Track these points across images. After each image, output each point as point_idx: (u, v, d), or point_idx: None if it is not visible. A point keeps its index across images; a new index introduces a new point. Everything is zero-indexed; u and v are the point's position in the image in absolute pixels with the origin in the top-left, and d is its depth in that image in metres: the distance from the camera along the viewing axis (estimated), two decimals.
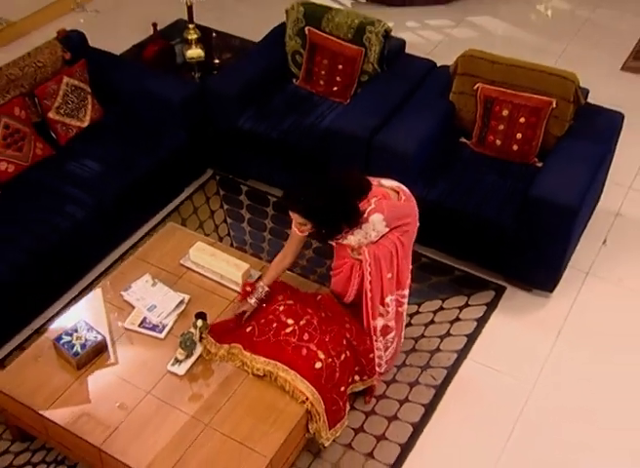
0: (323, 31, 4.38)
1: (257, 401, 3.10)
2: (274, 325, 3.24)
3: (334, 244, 3.25)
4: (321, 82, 4.48)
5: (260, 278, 3.45)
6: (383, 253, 3.09)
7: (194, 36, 4.83)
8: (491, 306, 4.01)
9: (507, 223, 3.80)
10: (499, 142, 4.09)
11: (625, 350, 3.77)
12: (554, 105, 3.92)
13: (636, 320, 3.92)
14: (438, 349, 3.80)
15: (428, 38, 5.92)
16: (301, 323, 3.24)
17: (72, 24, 5.40)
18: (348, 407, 3.34)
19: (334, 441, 3.31)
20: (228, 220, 4.44)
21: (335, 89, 4.44)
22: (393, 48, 4.47)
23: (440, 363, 3.74)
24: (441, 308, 4.00)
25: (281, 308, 3.31)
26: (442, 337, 3.86)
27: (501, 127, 4.05)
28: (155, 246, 3.74)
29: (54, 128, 4.13)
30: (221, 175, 4.72)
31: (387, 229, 3.09)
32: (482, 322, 3.94)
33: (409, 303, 3.88)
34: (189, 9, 4.76)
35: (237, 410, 3.07)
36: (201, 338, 3.23)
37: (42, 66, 4.08)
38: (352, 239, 3.10)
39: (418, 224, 3.32)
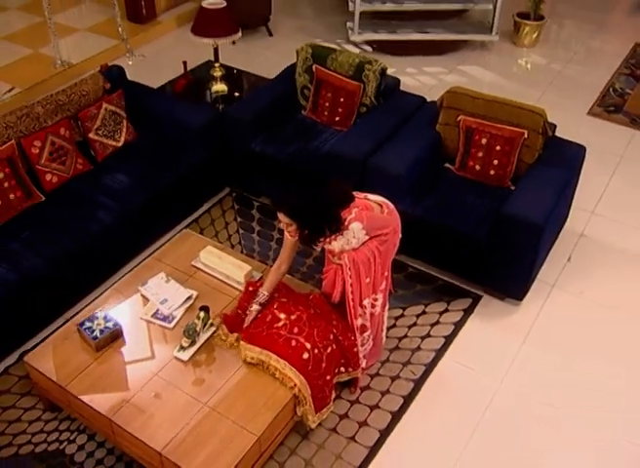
0: (328, 69, 4.32)
1: (250, 385, 2.99)
2: (268, 318, 3.13)
3: (317, 249, 3.13)
4: (325, 113, 4.40)
5: (261, 283, 3.35)
6: (362, 260, 2.98)
7: (219, 73, 4.78)
8: (468, 312, 3.86)
9: (483, 238, 3.68)
10: (478, 167, 3.97)
11: (584, 356, 3.61)
12: (526, 136, 3.81)
13: (595, 329, 3.76)
14: (419, 348, 3.66)
15: (424, 82, 5.84)
16: (292, 317, 3.12)
17: (124, 66, 5.45)
18: (334, 394, 3.22)
19: (320, 424, 3.19)
20: (240, 231, 4.34)
21: (337, 119, 4.36)
22: (389, 85, 4.39)
23: (420, 360, 3.59)
24: (423, 312, 3.86)
25: (275, 304, 3.20)
26: (423, 338, 3.71)
27: (480, 154, 3.94)
28: (171, 249, 3.66)
29: (93, 146, 4.09)
30: (237, 192, 4.63)
31: (367, 237, 2.99)
32: (459, 325, 3.79)
33: (395, 307, 3.81)
34: (215, 50, 4.71)
35: (232, 393, 2.96)
36: (204, 328, 3.14)
37: (86, 94, 4.06)
38: (335, 245, 2.99)
39: (399, 236, 3.21)
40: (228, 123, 4.31)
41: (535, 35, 6.26)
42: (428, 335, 3.73)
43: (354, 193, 3.02)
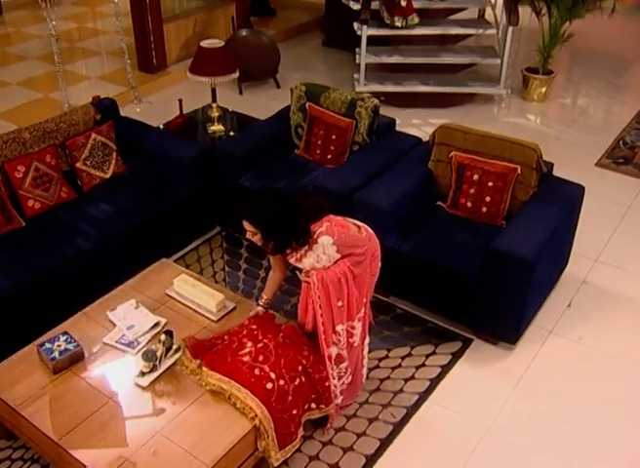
0: (321, 106, 4.34)
1: (209, 415, 2.82)
2: (234, 345, 3.00)
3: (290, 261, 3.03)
4: (317, 151, 4.38)
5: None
6: (332, 279, 2.85)
7: (216, 114, 4.83)
8: (456, 355, 3.67)
9: (472, 275, 3.53)
10: (469, 205, 3.88)
11: (579, 405, 3.38)
12: (519, 172, 3.73)
13: (592, 377, 3.54)
14: (401, 390, 3.46)
15: (428, 132, 5.83)
16: (259, 346, 2.98)
17: (131, 112, 5.63)
18: (303, 432, 3.02)
19: (286, 464, 2.99)
20: (226, 268, 4.26)
21: (329, 157, 4.34)
22: (384, 124, 4.39)
23: (401, 402, 3.39)
24: (409, 354, 3.68)
25: (244, 331, 3.08)
26: (406, 380, 3.52)
27: (472, 190, 3.85)
28: (146, 277, 3.58)
29: (80, 176, 4.10)
30: (227, 231, 4.58)
31: (339, 255, 2.88)
32: (446, 369, 3.59)
33: (379, 348, 3.65)
34: (213, 90, 4.78)
35: (189, 421, 2.80)
36: (167, 353, 3.02)
37: (75, 124, 4.10)
38: (306, 262, 2.89)
39: (379, 264, 3.10)
40: (219, 158, 4.31)
41: (544, 89, 6.27)
42: (413, 378, 3.54)
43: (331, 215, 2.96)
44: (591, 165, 5.42)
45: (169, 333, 3.05)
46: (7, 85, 6.63)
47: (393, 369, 3.59)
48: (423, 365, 3.62)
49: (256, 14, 7.87)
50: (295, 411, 2.91)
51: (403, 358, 3.66)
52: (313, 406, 3.06)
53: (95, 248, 3.74)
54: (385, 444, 3.19)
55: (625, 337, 3.78)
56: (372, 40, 6.15)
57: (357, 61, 6.21)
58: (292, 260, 2.97)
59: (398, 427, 3.28)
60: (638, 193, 5.03)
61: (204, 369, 2.94)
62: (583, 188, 3.89)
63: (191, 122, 4.80)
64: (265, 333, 3.05)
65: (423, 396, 3.44)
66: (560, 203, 3.74)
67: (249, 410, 2.78)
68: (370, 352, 3.57)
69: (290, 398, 2.88)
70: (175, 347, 3.07)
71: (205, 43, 4.62)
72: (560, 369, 3.60)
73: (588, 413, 3.34)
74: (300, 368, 2.96)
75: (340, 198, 3.83)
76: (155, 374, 2.98)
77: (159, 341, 2.99)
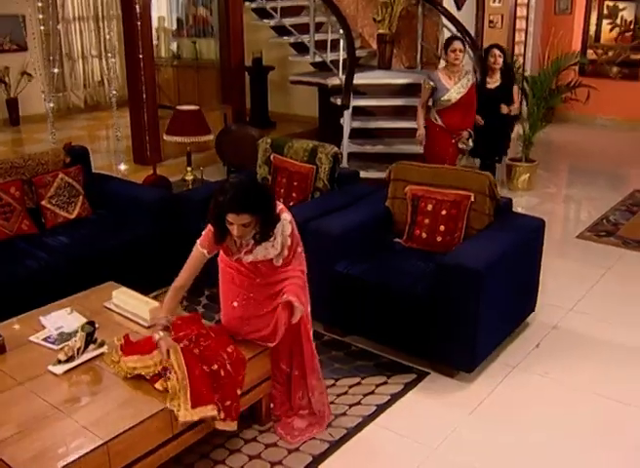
0: (284, 156, 4.53)
1: (119, 398, 2.73)
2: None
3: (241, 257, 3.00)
4: (281, 199, 4.48)
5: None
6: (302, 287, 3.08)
7: (190, 177, 5.07)
8: (409, 385, 3.50)
9: (423, 294, 3.48)
10: (424, 235, 3.89)
11: (535, 432, 3.15)
12: (472, 199, 3.79)
13: (553, 407, 3.34)
14: (344, 414, 3.28)
15: None
16: (180, 333, 2.93)
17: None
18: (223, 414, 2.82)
19: None
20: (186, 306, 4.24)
21: (291, 204, 4.44)
22: (347, 174, 4.55)
23: (342, 424, 3.21)
24: (358, 384, 3.52)
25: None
26: (351, 405, 3.34)
27: (427, 221, 3.88)
28: (88, 294, 3.59)
29: (44, 214, 4.26)
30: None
31: (289, 241, 2.94)
32: (397, 397, 3.42)
33: (326, 378, 3.49)
34: (188, 155, 5.05)
35: (95, 403, 2.71)
36: (87, 344, 2.96)
37: (44, 163, 4.32)
38: (259, 250, 2.92)
39: None
40: (181, 206, 4.45)
41: (527, 176, 6.44)
42: (358, 403, 3.36)
43: None
44: (572, 237, 5.44)
45: (91, 323, 3.02)
46: None
47: (339, 395, 3.43)
48: (372, 392, 3.45)
49: (257, 125, 8.43)
50: (209, 380, 2.80)
51: (351, 387, 3.50)
52: (228, 403, 2.88)
53: (44, 269, 3.80)
54: (318, 460, 2.98)
55: (592, 374, 3.59)
56: (357, 132, 6.50)
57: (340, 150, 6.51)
58: (243, 252, 2.96)
59: (334, 446, 3.07)
60: (619, 258, 4.98)
61: (123, 358, 2.88)
62: (543, 221, 3.91)
63: (163, 180, 5.03)
64: (190, 326, 3.00)
65: (367, 419, 3.25)
66: (516, 230, 3.75)
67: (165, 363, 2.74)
68: None
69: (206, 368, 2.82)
70: (98, 341, 3.03)
71: (181, 107, 4.98)
72: (519, 399, 3.41)
73: (544, 442, 3.09)
74: (221, 357, 2.87)
75: None
76: (72, 364, 2.91)
77: (81, 329, 2.96)
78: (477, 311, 3.38)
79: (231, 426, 2.87)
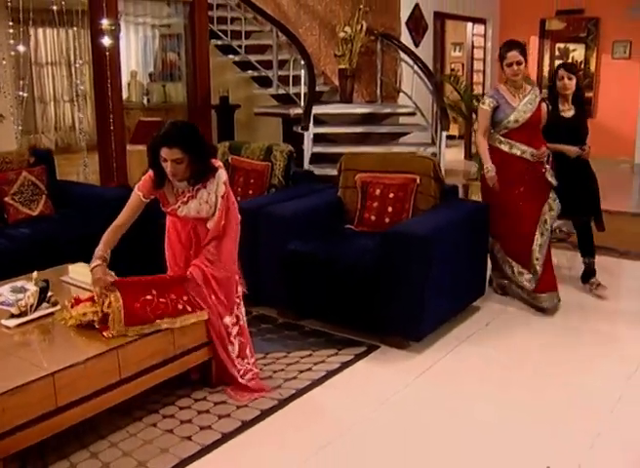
0: (242, 156, 4.76)
1: (66, 343, 2.89)
2: None
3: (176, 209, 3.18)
4: (238, 198, 4.66)
5: None
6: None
7: None
8: (360, 355, 3.64)
9: (369, 265, 3.65)
10: (373, 218, 4.10)
11: (472, 399, 3.25)
12: (418, 182, 4.02)
13: (494, 380, 3.44)
14: (295, 378, 3.40)
15: None
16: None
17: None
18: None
19: (155, 427, 2.95)
20: None
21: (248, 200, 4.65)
22: (302, 173, 4.79)
23: (292, 386, 3.32)
24: (310, 355, 3.64)
25: None
26: (302, 371, 3.46)
27: (375, 204, 4.10)
28: (47, 272, 3.64)
29: (7, 209, 4.41)
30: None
31: (221, 202, 3.12)
32: (347, 364, 3.54)
33: (278, 351, 3.64)
34: None
35: (44, 347, 2.88)
36: (40, 301, 3.08)
37: (8, 162, 4.49)
38: (192, 205, 3.12)
39: None
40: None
41: None
42: (309, 370, 3.48)
43: None
44: None
45: (45, 281, 3.14)
46: None
47: (289, 364, 3.54)
48: (323, 362, 3.57)
49: None
50: (149, 297, 2.98)
51: (302, 357, 3.62)
52: (189, 308, 3.07)
53: (4, 254, 3.91)
54: (265, 414, 3.08)
55: (534, 352, 3.74)
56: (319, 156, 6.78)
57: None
58: (179, 203, 3.14)
59: (283, 403, 3.18)
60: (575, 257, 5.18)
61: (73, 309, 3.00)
62: (487, 205, 4.15)
63: (126, 187, 5.21)
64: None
65: (317, 382, 3.36)
66: (461, 209, 3.99)
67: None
68: (267, 354, 3.61)
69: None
70: (52, 300, 3.15)
71: (144, 119, 5.22)
72: (464, 369, 3.54)
73: (480, 409, 3.18)
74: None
75: (247, 214, 4.07)
76: (24, 319, 3.01)
77: (35, 284, 3.08)
78: (420, 277, 3.55)
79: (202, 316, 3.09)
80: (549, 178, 4.22)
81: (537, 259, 4.20)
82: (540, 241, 4.21)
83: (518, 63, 4.14)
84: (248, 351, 3.30)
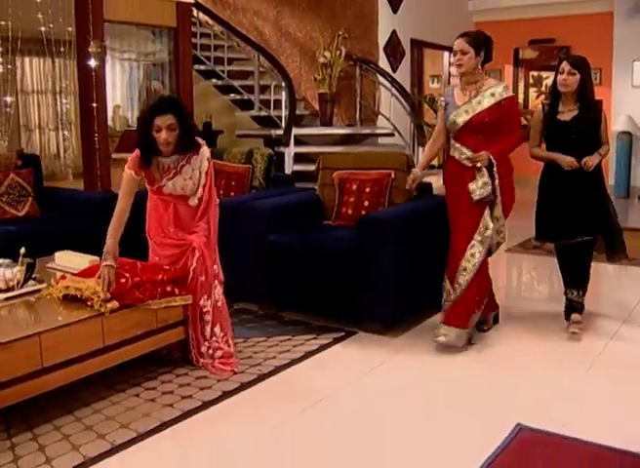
0: (224, 161, 4.94)
1: (52, 312, 3.00)
2: None
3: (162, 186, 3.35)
4: (219, 200, 4.87)
5: None
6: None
7: None
8: (338, 339, 3.78)
9: (344, 252, 3.84)
10: (350, 212, 4.27)
11: (436, 384, 3.32)
12: (393, 176, 4.21)
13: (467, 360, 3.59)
14: (274, 358, 3.52)
15: None
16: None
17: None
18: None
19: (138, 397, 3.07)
20: None
21: None
22: (282, 177, 4.99)
23: (272, 363, 3.45)
24: (289, 339, 3.77)
25: None
26: (281, 352, 3.59)
27: (352, 199, 4.28)
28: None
29: None
30: None
31: (205, 178, 3.33)
32: (325, 347, 3.68)
33: (258, 336, 3.76)
34: None
35: (30, 315, 3.04)
36: (27, 279, 3.21)
37: None
38: (178, 181, 3.32)
39: None
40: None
41: None
42: (288, 351, 3.61)
43: None
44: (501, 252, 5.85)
45: (31, 257, 3.27)
46: None
47: (270, 347, 3.67)
48: (302, 344, 3.70)
49: None
50: (137, 279, 3.14)
51: (282, 341, 3.75)
52: (176, 291, 3.24)
53: None
54: (245, 386, 3.21)
55: (509, 347, 3.79)
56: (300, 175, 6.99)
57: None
58: (165, 179, 3.31)
59: (262, 377, 3.31)
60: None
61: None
62: None
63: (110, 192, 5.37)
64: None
65: (295, 361, 3.49)
66: (432, 201, 4.16)
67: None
68: (248, 338, 3.74)
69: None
70: (38, 278, 3.28)
71: (130, 128, 5.42)
72: (438, 350, 3.67)
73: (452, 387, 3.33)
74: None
75: (227, 210, 4.24)
76: (11, 293, 3.14)
77: (21, 263, 3.20)
78: (392, 262, 3.74)
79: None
80: (470, 186, 3.53)
81: (458, 284, 3.64)
82: (464, 264, 3.61)
83: (463, 53, 3.57)
84: (217, 329, 3.40)
